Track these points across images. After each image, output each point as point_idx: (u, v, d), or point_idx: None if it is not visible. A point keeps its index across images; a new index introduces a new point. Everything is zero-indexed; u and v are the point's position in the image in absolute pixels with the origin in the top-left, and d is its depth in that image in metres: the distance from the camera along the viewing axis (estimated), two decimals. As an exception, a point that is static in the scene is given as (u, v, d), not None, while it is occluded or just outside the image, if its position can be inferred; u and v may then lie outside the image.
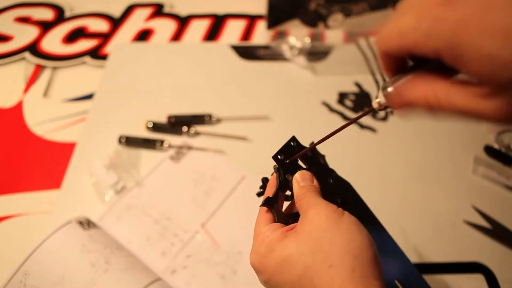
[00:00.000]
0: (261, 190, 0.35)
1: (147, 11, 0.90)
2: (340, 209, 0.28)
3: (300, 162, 0.34)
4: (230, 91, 0.73)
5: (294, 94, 0.73)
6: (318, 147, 0.34)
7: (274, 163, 0.34)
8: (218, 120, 0.67)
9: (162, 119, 0.67)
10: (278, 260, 0.26)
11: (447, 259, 0.52)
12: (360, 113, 0.32)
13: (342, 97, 0.72)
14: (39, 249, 0.45)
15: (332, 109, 0.70)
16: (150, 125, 0.65)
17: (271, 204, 0.31)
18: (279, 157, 0.33)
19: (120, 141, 0.63)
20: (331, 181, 0.33)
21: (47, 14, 0.88)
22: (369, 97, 0.72)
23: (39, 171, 0.61)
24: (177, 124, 0.66)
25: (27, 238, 0.53)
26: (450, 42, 0.20)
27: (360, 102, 0.71)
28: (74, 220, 0.49)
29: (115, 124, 0.67)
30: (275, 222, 0.30)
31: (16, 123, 0.67)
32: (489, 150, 0.63)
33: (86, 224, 0.50)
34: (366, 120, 0.68)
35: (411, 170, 0.61)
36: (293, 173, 0.32)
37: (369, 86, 0.74)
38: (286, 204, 0.34)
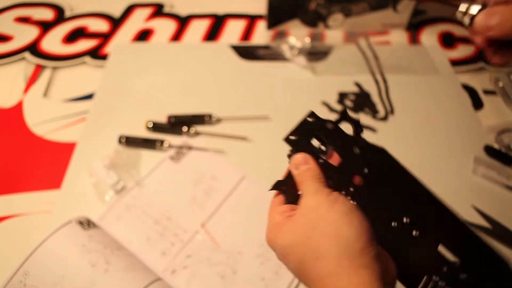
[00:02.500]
0: (290, 153, 0.33)
1: (147, 11, 0.90)
2: (332, 196, 0.28)
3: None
4: (230, 91, 0.73)
5: (294, 94, 0.73)
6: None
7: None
8: (218, 120, 0.67)
9: (162, 119, 0.67)
10: (279, 248, 0.28)
11: (447, 259, 0.52)
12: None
13: (342, 97, 0.72)
14: (39, 249, 0.45)
15: (332, 109, 0.70)
16: (150, 125, 0.65)
17: (279, 186, 0.31)
18: (291, 138, 0.31)
19: (120, 141, 0.63)
20: (358, 151, 0.31)
21: (47, 14, 0.88)
22: (369, 97, 0.72)
23: (39, 171, 0.61)
24: (177, 124, 0.66)
25: (27, 238, 0.53)
26: None
27: (360, 102, 0.71)
28: (74, 220, 0.49)
29: (115, 124, 0.67)
30: (285, 203, 0.31)
31: (16, 123, 0.67)
32: (489, 150, 0.63)
33: (86, 224, 0.50)
34: (366, 120, 0.68)
35: (411, 170, 0.61)
36: (307, 152, 0.31)
37: (369, 86, 0.74)
38: None
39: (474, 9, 0.35)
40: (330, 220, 0.26)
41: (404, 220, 0.30)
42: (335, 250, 0.25)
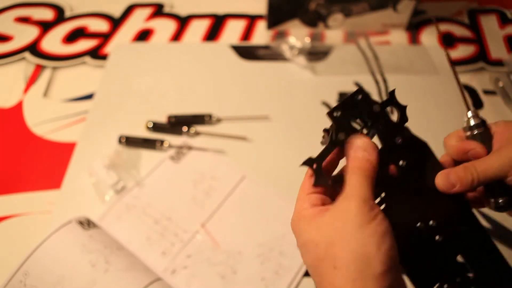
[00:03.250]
0: (323, 139, 0.31)
1: (147, 11, 0.90)
2: (373, 212, 0.26)
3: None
4: (230, 91, 0.73)
5: (294, 94, 0.73)
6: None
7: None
8: (218, 120, 0.67)
9: (162, 119, 0.67)
10: (303, 238, 0.28)
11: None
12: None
13: (342, 97, 0.72)
14: (39, 249, 0.45)
15: (332, 109, 0.70)
16: (150, 125, 0.65)
17: (311, 164, 0.29)
18: (334, 114, 0.29)
19: (120, 141, 0.63)
20: (400, 141, 0.30)
21: (47, 14, 0.88)
22: (369, 97, 0.72)
23: (39, 171, 0.61)
24: (177, 124, 0.66)
25: (27, 238, 0.53)
26: None
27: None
28: (74, 220, 0.49)
29: (115, 124, 0.67)
30: (316, 185, 0.29)
31: (16, 123, 0.67)
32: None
33: (86, 224, 0.50)
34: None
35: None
36: (348, 133, 0.29)
37: (369, 86, 0.74)
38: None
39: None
40: (361, 235, 0.25)
41: (430, 222, 0.29)
42: (353, 267, 0.24)
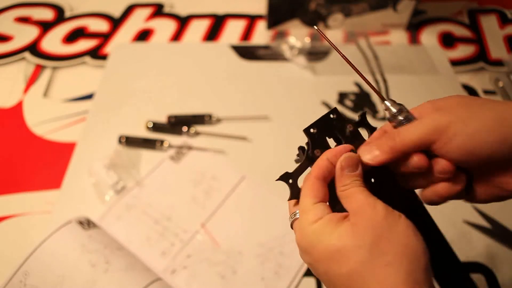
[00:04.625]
0: (298, 158, 0.32)
1: (147, 11, 0.90)
2: (396, 211, 0.26)
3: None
4: (230, 91, 0.73)
5: (294, 94, 0.73)
6: None
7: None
8: (218, 120, 0.67)
9: (162, 119, 0.67)
10: (331, 249, 0.25)
11: (447, 259, 0.52)
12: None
13: (342, 97, 0.72)
14: (39, 249, 0.45)
15: (332, 109, 0.70)
16: (150, 125, 0.65)
17: (286, 179, 0.29)
18: (311, 130, 0.30)
19: (120, 141, 0.63)
20: None
21: (47, 14, 0.88)
22: (369, 97, 0.72)
23: (39, 171, 0.61)
24: (177, 124, 0.66)
25: (27, 238, 0.53)
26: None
27: (360, 102, 0.71)
28: (74, 220, 0.49)
29: (115, 124, 0.67)
30: (290, 198, 0.29)
31: (16, 123, 0.67)
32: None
33: (86, 224, 0.50)
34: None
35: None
36: (323, 149, 0.29)
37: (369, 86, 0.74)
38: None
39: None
40: (399, 231, 0.25)
41: None
42: (406, 261, 0.24)
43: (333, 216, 0.27)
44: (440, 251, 0.31)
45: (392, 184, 0.31)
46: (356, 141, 0.30)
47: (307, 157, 0.30)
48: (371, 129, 0.32)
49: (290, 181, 0.29)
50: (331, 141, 0.31)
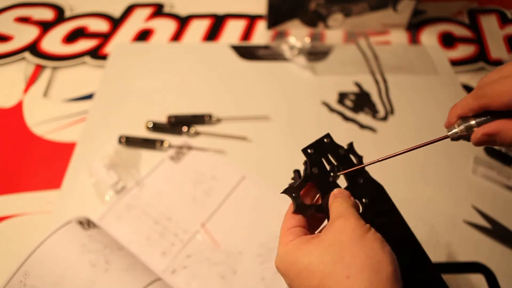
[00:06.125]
0: (292, 181, 0.35)
1: (147, 11, 0.90)
2: (368, 225, 0.28)
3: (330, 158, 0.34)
4: (230, 91, 0.73)
5: (294, 94, 0.73)
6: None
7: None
8: (218, 120, 0.67)
9: (162, 119, 0.67)
10: (299, 267, 0.27)
11: (447, 259, 0.52)
12: (432, 139, 0.34)
13: (342, 97, 0.72)
14: (39, 249, 0.45)
15: (332, 109, 0.70)
16: (150, 125, 0.65)
17: (290, 193, 0.31)
18: (308, 151, 0.33)
19: (120, 141, 0.63)
20: (361, 181, 0.34)
21: (47, 14, 0.88)
22: (369, 97, 0.72)
23: (39, 171, 0.61)
24: (177, 124, 0.66)
25: (27, 238, 0.53)
26: None
27: (360, 102, 0.71)
28: (74, 220, 0.49)
29: (115, 124, 0.67)
30: (296, 212, 0.31)
31: (16, 123, 0.67)
32: (489, 150, 0.63)
33: (86, 224, 0.50)
34: (366, 120, 0.68)
35: (411, 170, 0.61)
36: (320, 168, 0.33)
37: (369, 86, 0.74)
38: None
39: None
40: (364, 244, 0.26)
41: None
42: (367, 272, 0.25)
43: (304, 237, 0.29)
44: (417, 262, 0.33)
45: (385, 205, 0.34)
46: (347, 164, 0.34)
47: (305, 174, 0.33)
48: (358, 157, 0.35)
49: (294, 194, 0.32)
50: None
